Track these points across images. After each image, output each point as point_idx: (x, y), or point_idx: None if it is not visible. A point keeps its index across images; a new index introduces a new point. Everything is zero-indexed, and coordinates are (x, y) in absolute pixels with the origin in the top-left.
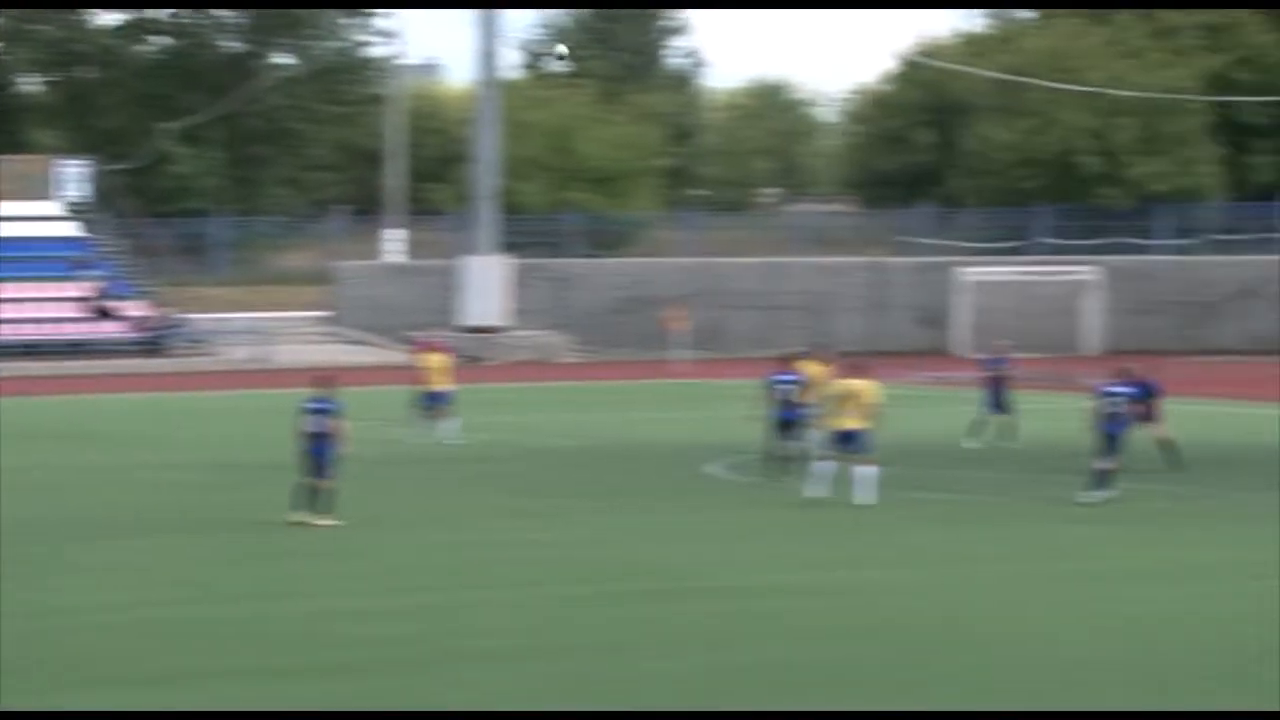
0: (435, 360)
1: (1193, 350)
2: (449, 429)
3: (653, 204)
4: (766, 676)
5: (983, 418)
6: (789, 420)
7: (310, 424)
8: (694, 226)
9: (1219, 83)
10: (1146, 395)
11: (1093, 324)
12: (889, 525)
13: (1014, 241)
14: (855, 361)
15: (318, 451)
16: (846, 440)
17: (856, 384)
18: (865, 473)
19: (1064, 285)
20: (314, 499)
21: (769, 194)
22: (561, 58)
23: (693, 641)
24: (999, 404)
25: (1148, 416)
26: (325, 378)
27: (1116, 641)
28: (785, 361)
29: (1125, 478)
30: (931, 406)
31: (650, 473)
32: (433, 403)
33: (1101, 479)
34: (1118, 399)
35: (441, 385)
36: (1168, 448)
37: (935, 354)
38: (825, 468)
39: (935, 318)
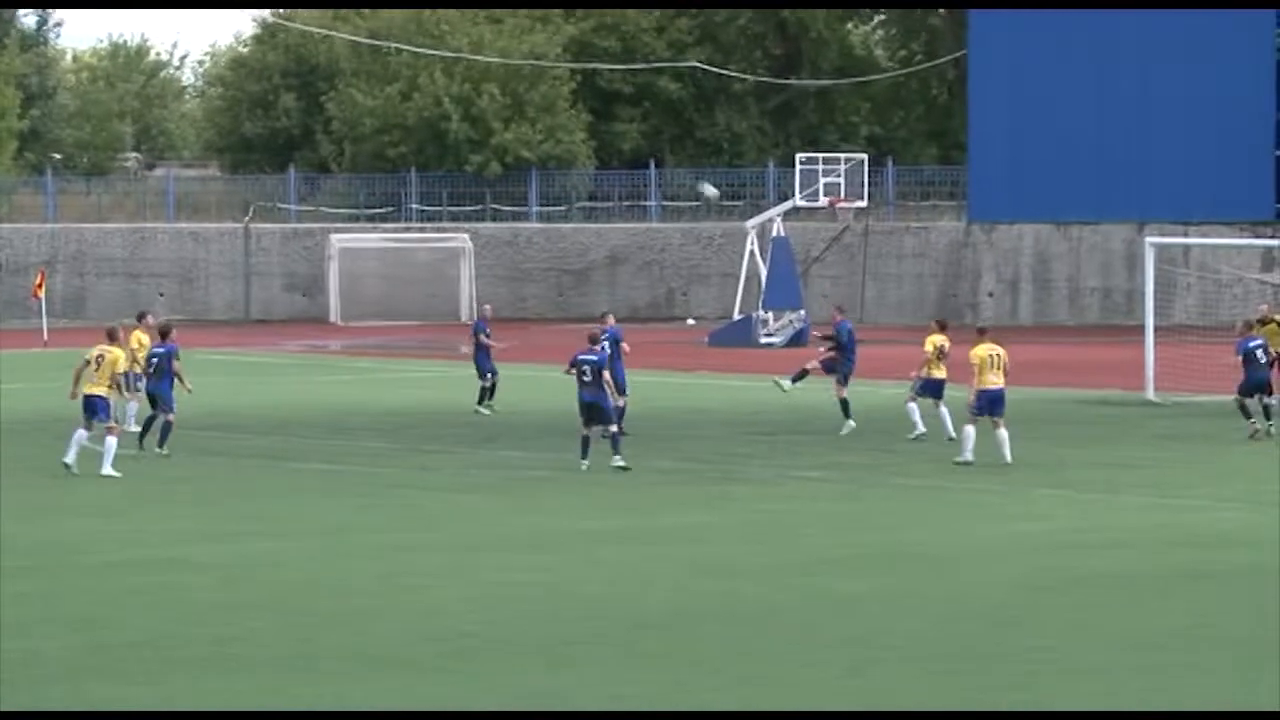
0: None
1: (564, 318)
2: None
3: (9, 168)
4: (155, 653)
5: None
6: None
7: None
8: (54, 191)
9: (582, 49)
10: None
11: (465, 291)
12: (264, 497)
13: (385, 208)
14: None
15: None
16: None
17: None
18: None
19: (436, 252)
20: None
21: (131, 158)
22: (708, 196)
23: (76, 619)
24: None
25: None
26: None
27: (504, 610)
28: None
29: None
30: (305, 374)
31: (19, 448)
32: None
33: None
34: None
35: None
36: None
37: (309, 321)
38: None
39: (308, 285)
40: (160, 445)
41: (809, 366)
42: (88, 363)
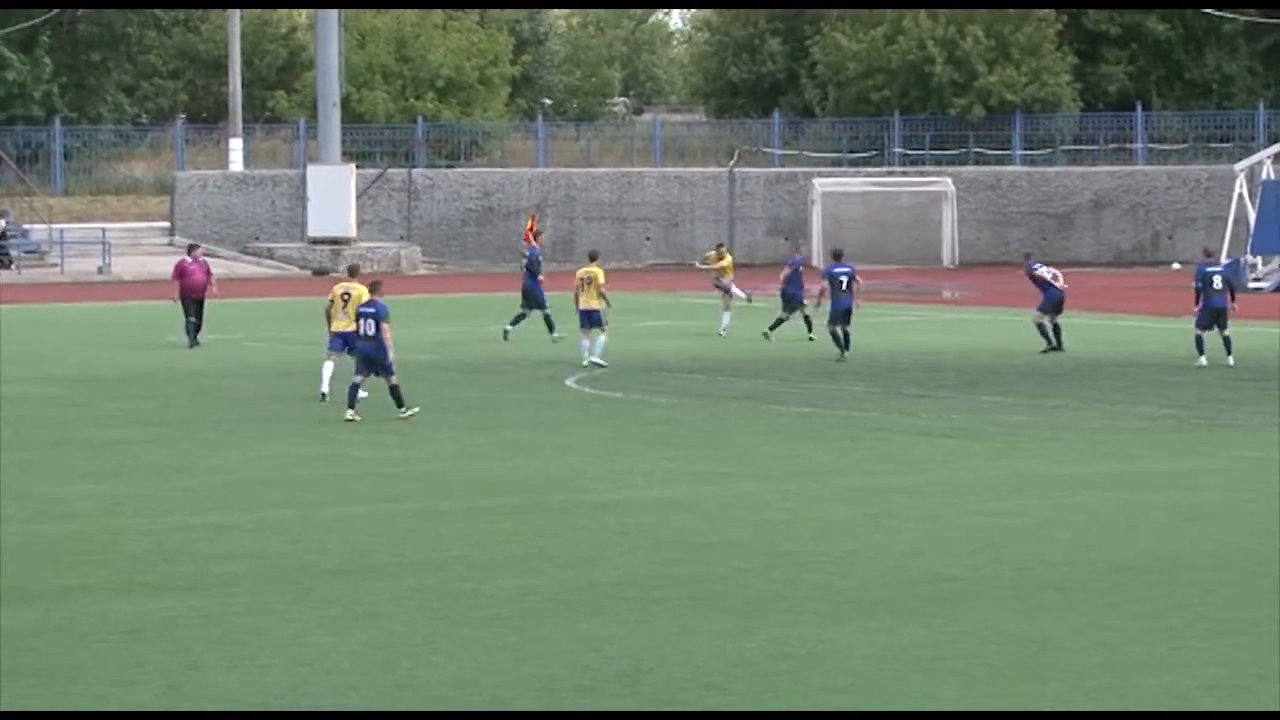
0: None
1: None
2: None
3: (502, 113)
4: (635, 591)
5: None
6: None
7: (362, 326)
8: (545, 136)
9: None
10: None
11: (948, 235)
12: (747, 439)
13: (868, 152)
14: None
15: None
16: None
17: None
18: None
19: (918, 196)
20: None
21: (619, 103)
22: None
23: (558, 556)
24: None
25: None
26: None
27: (987, 553)
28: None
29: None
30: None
31: (509, 388)
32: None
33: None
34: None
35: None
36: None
37: None
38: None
39: (790, 229)
40: (400, 405)
41: None
42: (332, 302)
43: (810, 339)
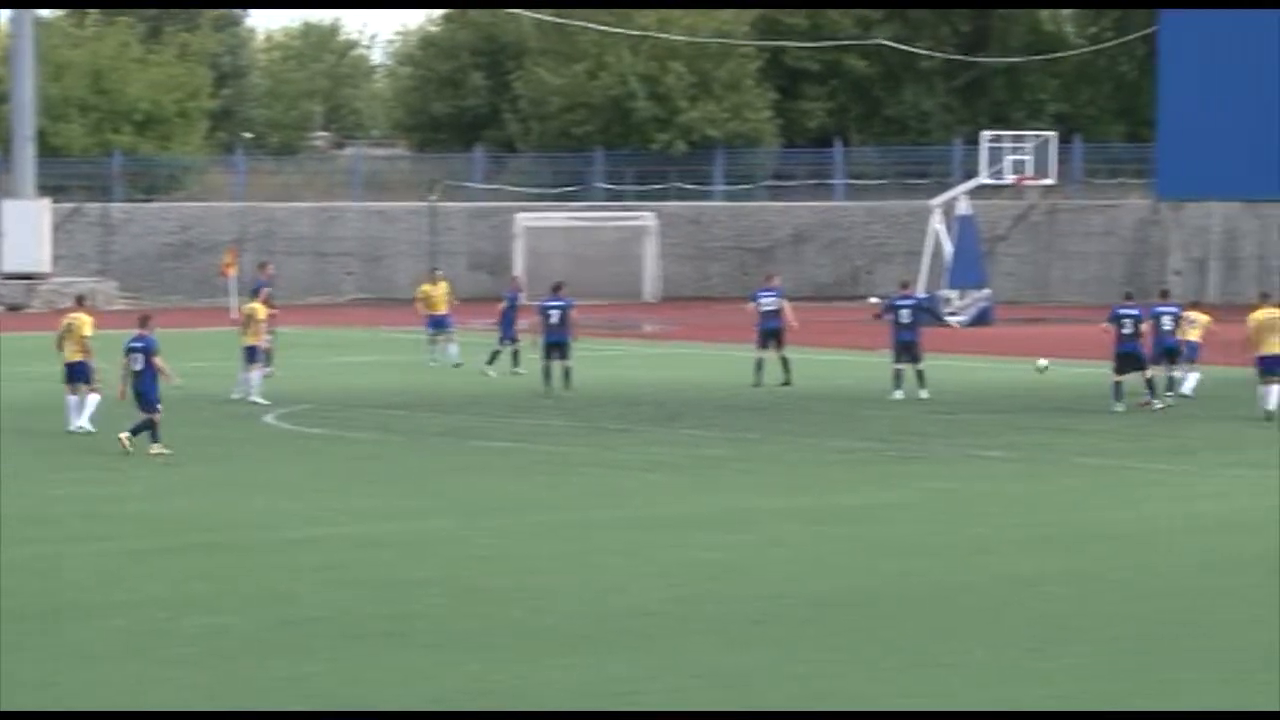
0: None
1: (748, 297)
2: None
3: (201, 147)
4: (332, 629)
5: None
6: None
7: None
8: (244, 170)
9: (769, 27)
10: None
11: (650, 270)
12: (448, 475)
13: (571, 187)
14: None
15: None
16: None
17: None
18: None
19: (621, 231)
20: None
21: (320, 137)
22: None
23: (252, 594)
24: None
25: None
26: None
27: (687, 588)
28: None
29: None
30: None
31: (206, 424)
32: None
33: None
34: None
35: None
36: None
37: (494, 300)
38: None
39: (493, 264)
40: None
41: None
42: (60, 334)
43: (517, 372)
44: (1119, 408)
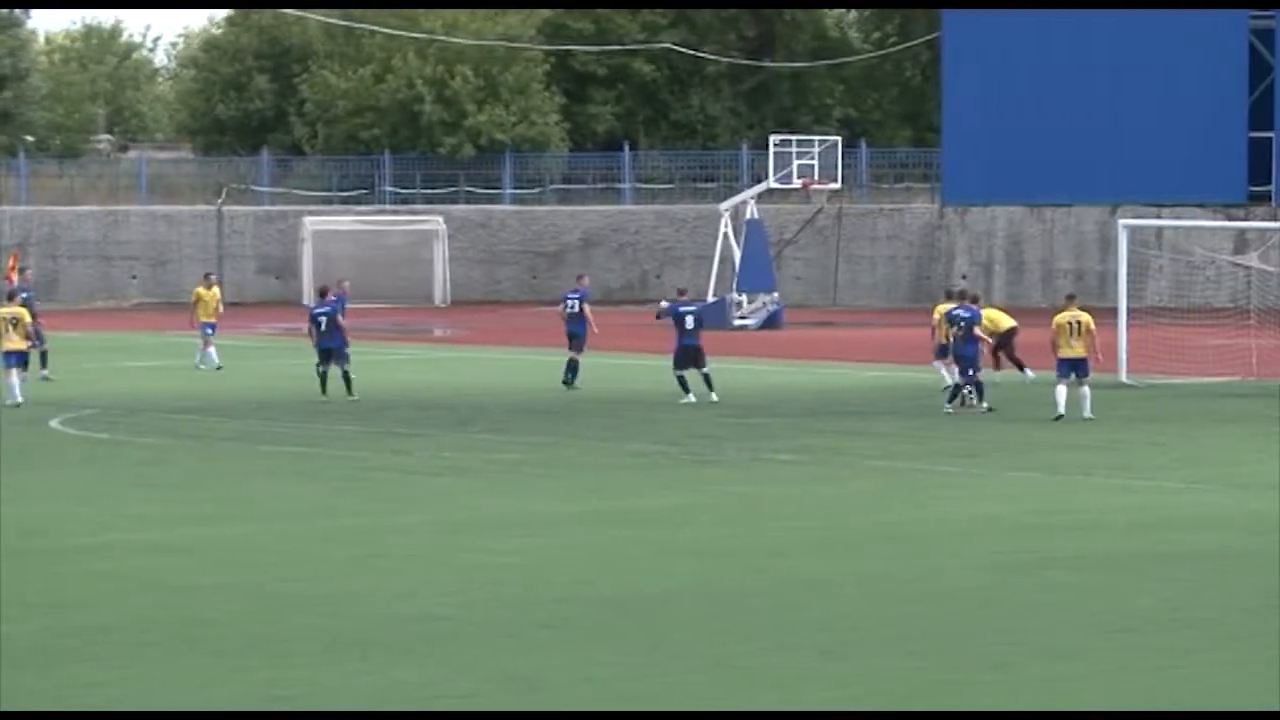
0: None
1: (537, 301)
2: None
3: None
4: (122, 636)
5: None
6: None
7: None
8: (26, 174)
9: (556, 31)
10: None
11: (439, 274)
12: (238, 480)
13: (358, 190)
14: None
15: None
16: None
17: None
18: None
19: (409, 235)
20: None
21: (103, 140)
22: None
23: (38, 603)
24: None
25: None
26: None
27: (479, 592)
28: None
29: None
30: (280, 357)
31: None
32: None
33: None
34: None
35: None
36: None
37: (282, 304)
38: None
39: (280, 268)
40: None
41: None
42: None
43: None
44: (949, 409)
